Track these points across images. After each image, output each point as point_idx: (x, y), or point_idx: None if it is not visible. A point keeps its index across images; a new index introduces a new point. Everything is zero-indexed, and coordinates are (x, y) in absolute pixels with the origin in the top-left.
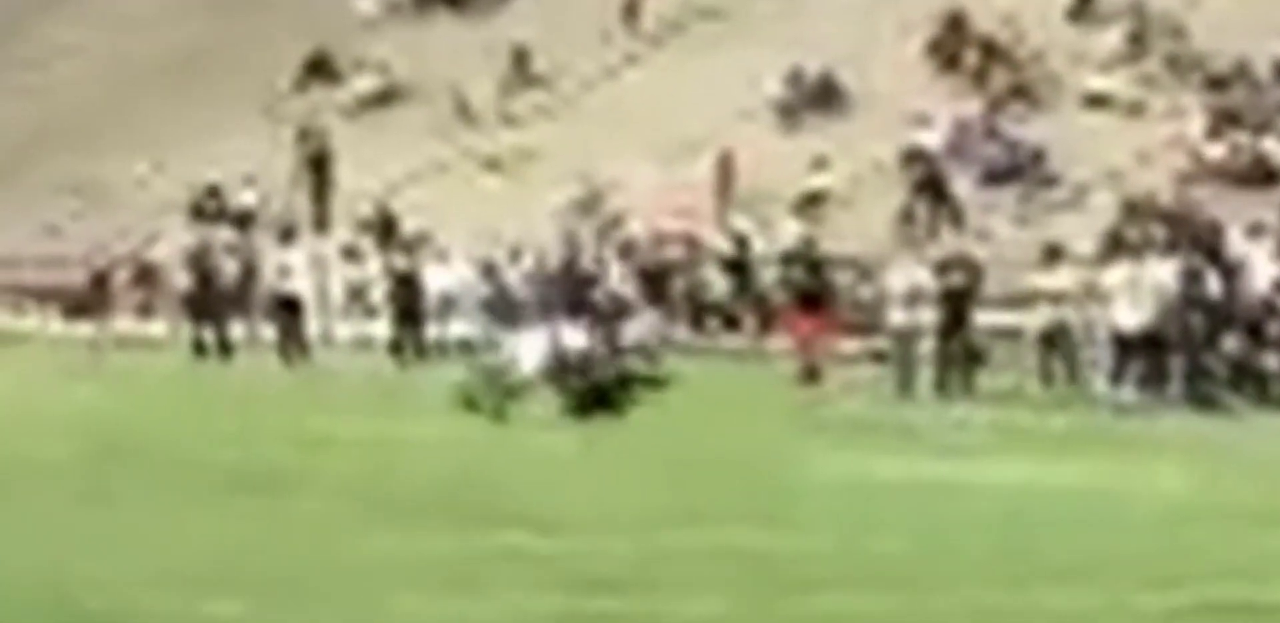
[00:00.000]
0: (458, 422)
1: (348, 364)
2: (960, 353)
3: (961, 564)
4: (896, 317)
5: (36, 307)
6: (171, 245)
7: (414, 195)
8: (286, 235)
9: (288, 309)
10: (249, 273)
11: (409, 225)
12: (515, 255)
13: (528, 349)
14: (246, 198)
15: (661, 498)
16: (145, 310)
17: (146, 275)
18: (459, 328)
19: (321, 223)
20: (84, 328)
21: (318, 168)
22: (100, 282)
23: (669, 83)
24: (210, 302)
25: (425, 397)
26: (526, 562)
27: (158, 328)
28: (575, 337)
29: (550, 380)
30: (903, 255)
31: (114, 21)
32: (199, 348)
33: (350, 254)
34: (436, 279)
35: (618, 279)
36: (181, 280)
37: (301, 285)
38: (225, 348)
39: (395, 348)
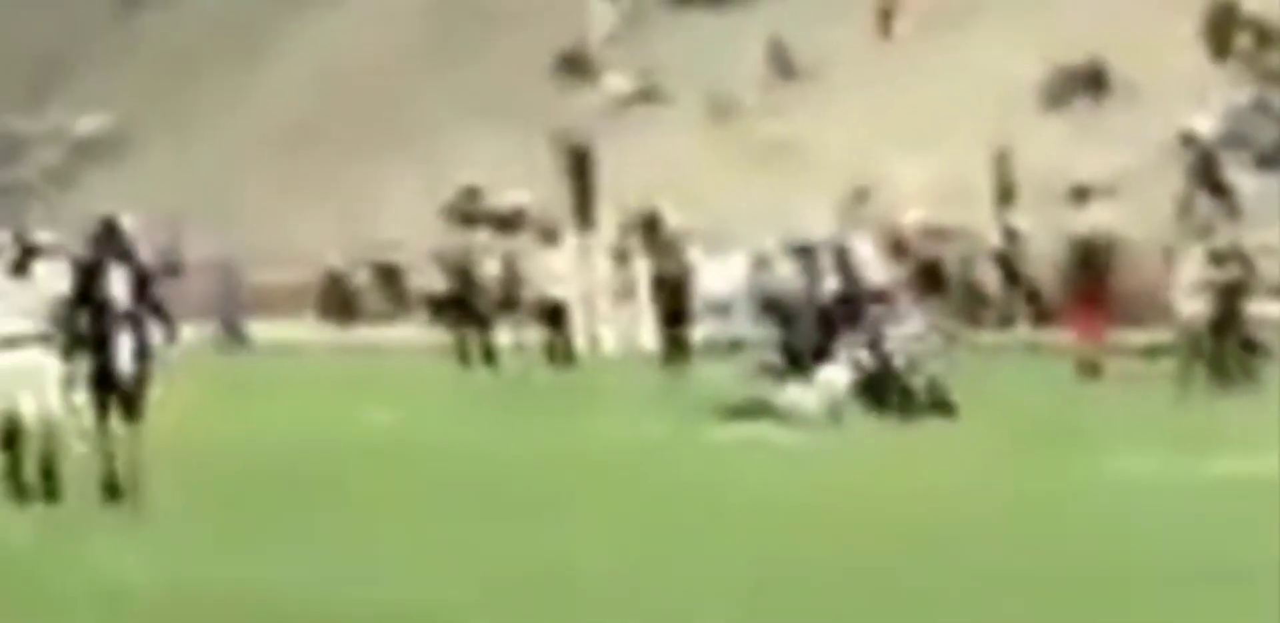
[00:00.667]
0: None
1: (616, 367)
2: (1237, 346)
3: None
4: (1186, 308)
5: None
6: (416, 248)
7: (676, 194)
8: (550, 238)
9: (553, 313)
10: (512, 276)
11: (673, 224)
12: (786, 253)
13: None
14: (511, 198)
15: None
16: (389, 314)
17: (390, 277)
18: (728, 327)
19: (586, 224)
20: (345, 335)
21: (580, 169)
22: (335, 283)
23: (933, 72)
24: (471, 306)
25: (703, 400)
26: None
27: (406, 332)
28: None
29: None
30: (1189, 245)
31: (375, 16)
32: (463, 354)
33: (617, 255)
34: (705, 279)
35: (882, 274)
36: (436, 283)
37: (567, 290)
38: (490, 354)
39: (666, 351)
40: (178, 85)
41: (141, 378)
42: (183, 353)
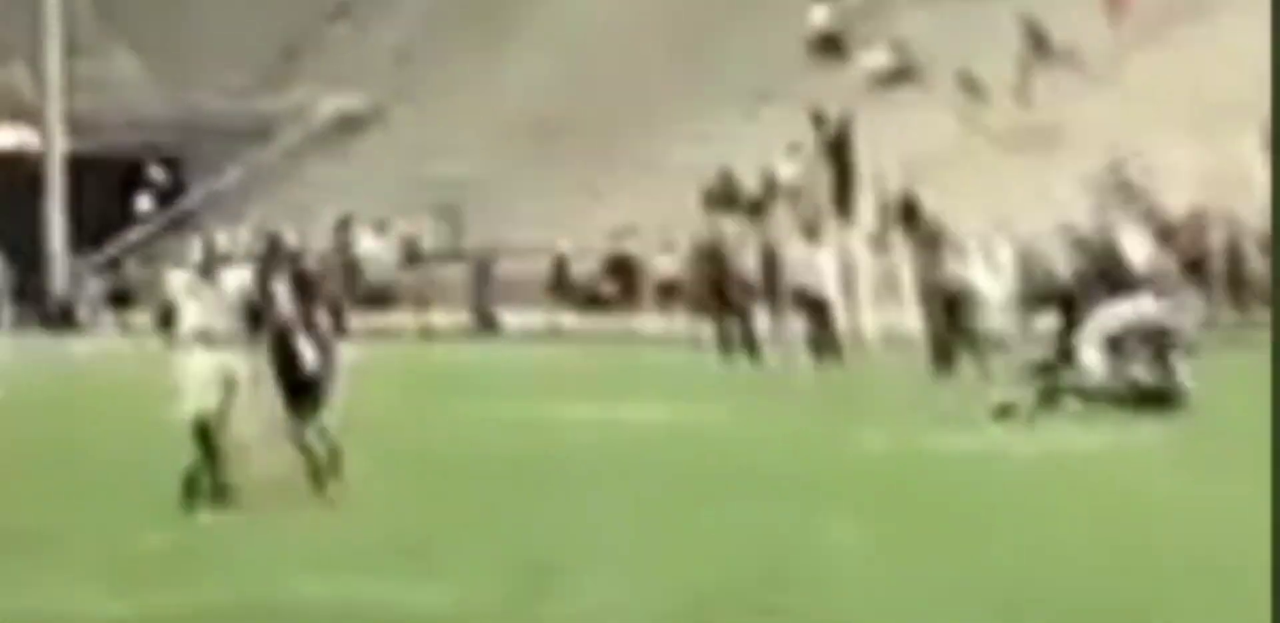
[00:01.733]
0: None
1: (882, 362)
2: None
3: None
4: None
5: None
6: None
7: (934, 177)
8: (811, 230)
9: (816, 306)
10: (770, 265)
11: (931, 209)
12: (1059, 241)
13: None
14: (767, 182)
15: None
16: (622, 302)
17: (621, 267)
18: (987, 321)
19: (844, 211)
20: (589, 323)
21: (838, 154)
22: (562, 269)
23: (1197, 52)
24: (731, 296)
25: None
26: None
27: (647, 321)
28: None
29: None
30: None
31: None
32: (725, 345)
33: (877, 244)
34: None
35: (1145, 260)
36: (667, 267)
37: (831, 284)
38: (752, 347)
39: (933, 347)
40: (421, 69)
41: (325, 375)
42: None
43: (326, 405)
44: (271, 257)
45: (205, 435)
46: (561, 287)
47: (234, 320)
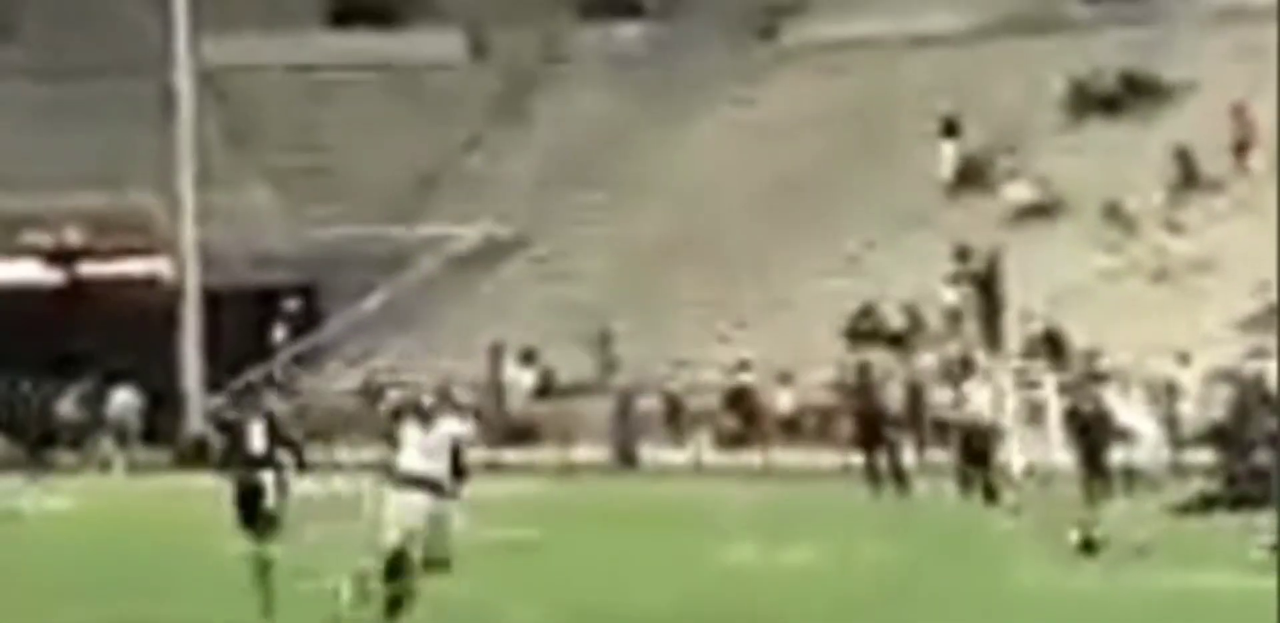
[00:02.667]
0: None
1: (1033, 499)
2: None
3: None
4: None
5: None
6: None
7: (1080, 310)
8: (966, 365)
9: (971, 442)
10: (915, 397)
11: (1078, 342)
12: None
13: None
14: (912, 315)
15: None
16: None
17: (739, 398)
18: (1135, 456)
19: (993, 345)
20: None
21: (986, 287)
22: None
23: None
24: (877, 428)
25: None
26: None
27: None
28: None
29: None
30: None
31: (756, 132)
32: (873, 478)
33: (1022, 378)
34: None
35: None
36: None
37: (992, 417)
38: (901, 478)
39: (1085, 482)
40: (549, 200)
41: None
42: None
43: None
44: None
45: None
46: (676, 423)
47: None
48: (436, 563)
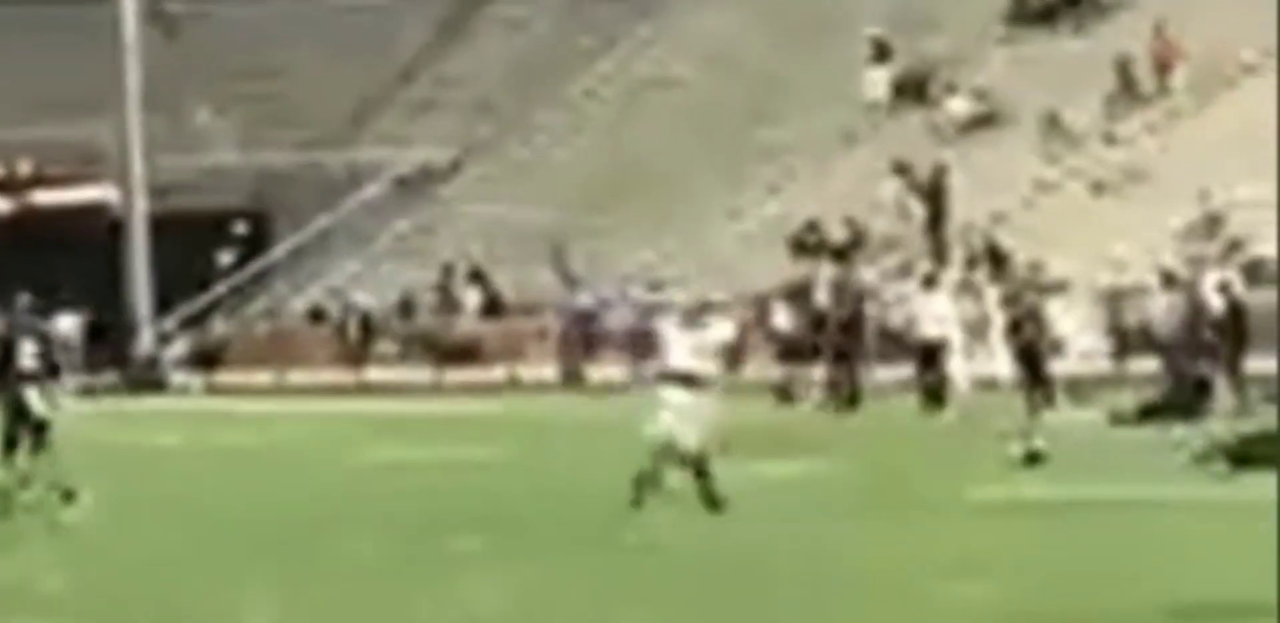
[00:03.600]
0: None
1: (982, 409)
2: None
3: None
4: None
5: None
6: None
7: (1021, 222)
8: (928, 281)
9: (929, 355)
10: (857, 312)
11: (1020, 254)
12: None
13: None
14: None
15: None
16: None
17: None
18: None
19: (939, 257)
20: None
21: (933, 199)
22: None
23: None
24: (817, 345)
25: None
26: None
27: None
28: None
29: None
30: None
31: (696, 55)
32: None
33: (965, 289)
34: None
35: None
36: (781, 321)
37: (948, 330)
38: (854, 397)
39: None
40: (495, 125)
41: None
42: None
43: None
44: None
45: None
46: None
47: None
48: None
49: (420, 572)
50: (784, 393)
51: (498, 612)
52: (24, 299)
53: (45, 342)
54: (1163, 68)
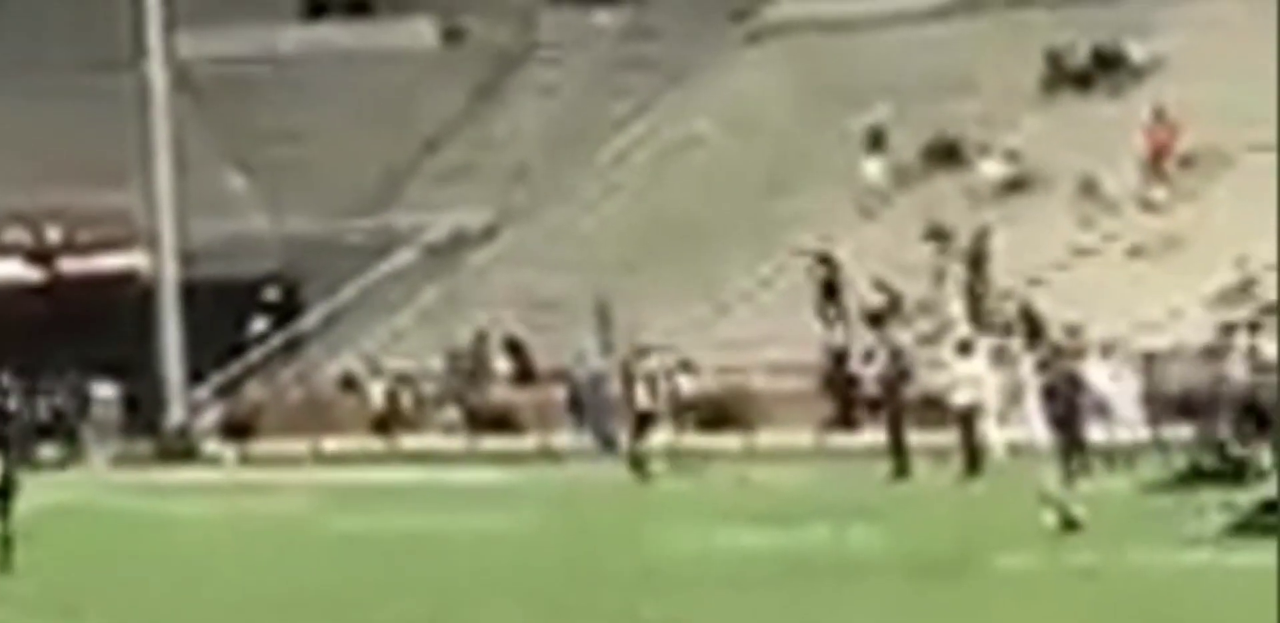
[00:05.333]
0: None
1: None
2: None
3: None
4: None
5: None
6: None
7: (1057, 287)
8: (964, 347)
9: (965, 420)
10: (899, 376)
11: (1056, 318)
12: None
13: None
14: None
15: None
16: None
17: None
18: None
19: (978, 322)
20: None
21: (975, 266)
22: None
23: None
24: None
25: None
26: None
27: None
28: None
29: None
30: None
31: (724, 119)
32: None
33: (999, 355)
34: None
35: None
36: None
37: (983, 394)
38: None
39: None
40: (525, 187)
41: None
42: None
43: None
44: None
45: None
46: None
47: None
48: None
49: None
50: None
51: None
52: None
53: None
54: (1158, 155)
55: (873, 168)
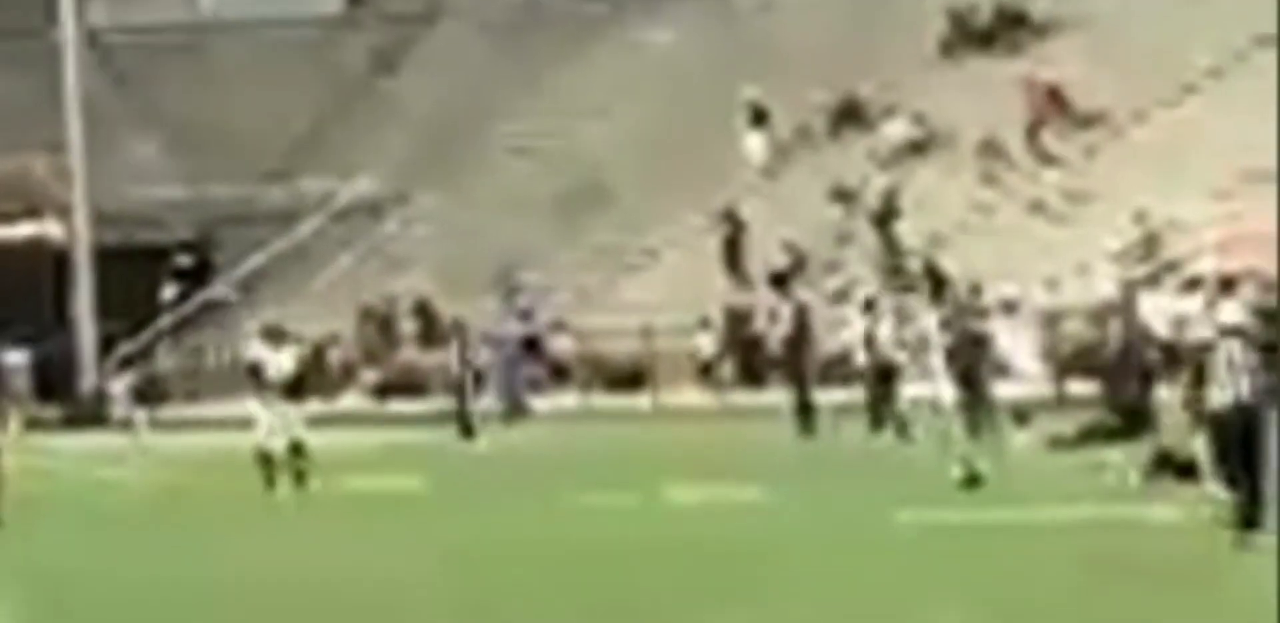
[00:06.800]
0: None
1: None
2: None
3: None
4: None
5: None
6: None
7: (960, 244)
8: (869, 305)
9: (884, 377)
10: (801, 333)
11: (960, 277)
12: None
13: None
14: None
15: None
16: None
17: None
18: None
19: (892, 280)
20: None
21: (881, 224)
22: None
23: (1225, 113)
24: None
25: None
26: None
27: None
28: None
29: None
30: None
31: (641, 73)
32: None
33: (900, 312)
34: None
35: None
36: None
37: (897, 352)
38: (810, 421)
39: (968, 415)
40: (434, 150)
41: None
42: None
43: None
44: None
45: None
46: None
47: None
48: None
49: None
50: None
51: None
52: None
53: None
54: (1035, 127)
55: (754, 143)
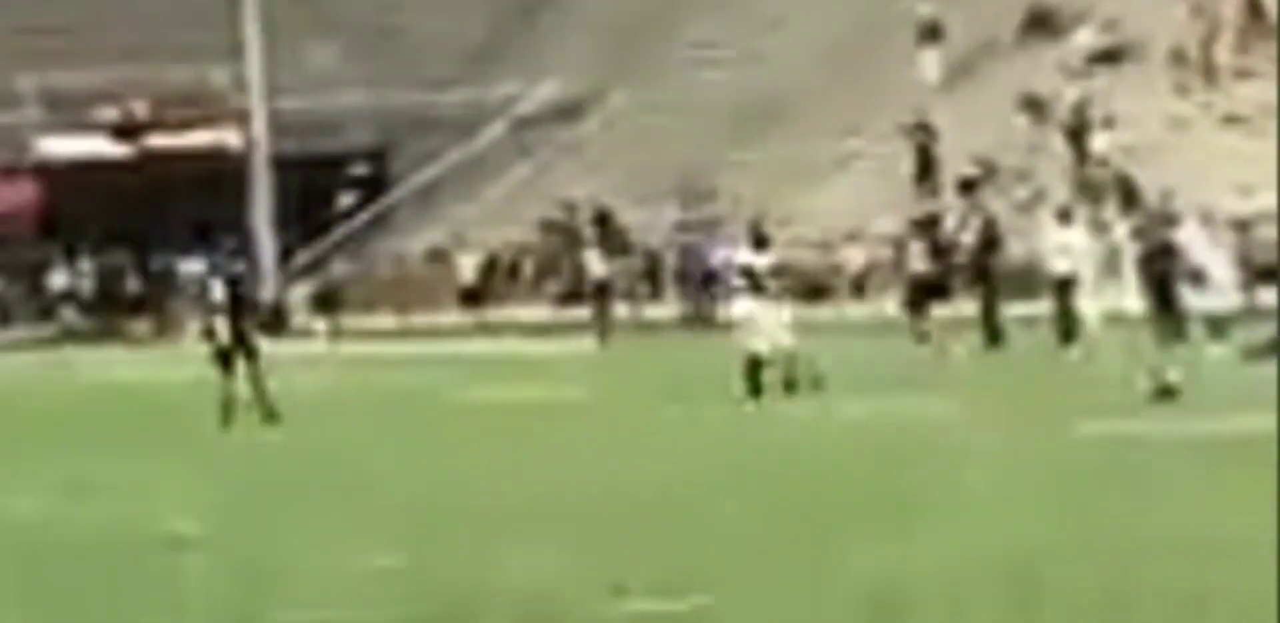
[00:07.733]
0: None
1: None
2: None
3: None
4: None
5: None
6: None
7: (1154, 156)
8: (1064, 215)
9: (1062, 288)
10: (990, 244)
11: (1153, 188)
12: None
13: None
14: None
15: None
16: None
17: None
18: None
19: (1084, 192)
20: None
21: (1075, 135)
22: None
23: None
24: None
25: None
26: None
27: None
28: None
29: None
30: None
31: None
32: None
33: (1095, 223)
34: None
35: None
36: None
37: (1082, 264)
38: (994, 334)
39: (1159, 327)
40: (625, 56)
41: None
42: None
43: None
44: None
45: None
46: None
47: None
48: None
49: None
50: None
51: None
52: (227, 244)
53: (234, 282)
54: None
55: (928, 60)
